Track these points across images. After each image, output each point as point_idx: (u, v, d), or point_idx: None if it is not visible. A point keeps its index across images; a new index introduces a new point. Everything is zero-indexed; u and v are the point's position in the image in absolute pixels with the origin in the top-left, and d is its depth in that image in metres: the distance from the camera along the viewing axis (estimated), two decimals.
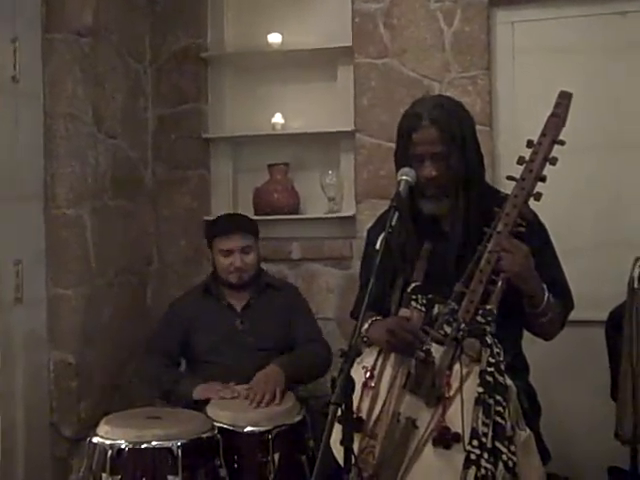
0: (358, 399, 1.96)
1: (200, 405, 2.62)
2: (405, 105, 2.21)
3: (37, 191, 2.91)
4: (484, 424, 1.81)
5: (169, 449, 2.30)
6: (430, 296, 2.04)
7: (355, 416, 1.89)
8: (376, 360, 2.05)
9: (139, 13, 3.47)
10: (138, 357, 3.10)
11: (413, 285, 2.08)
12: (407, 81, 3.24)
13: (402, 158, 2.12)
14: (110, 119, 3.19)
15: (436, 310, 2.02)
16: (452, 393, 1.89)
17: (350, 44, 3.34)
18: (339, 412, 1.62)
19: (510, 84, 3.23)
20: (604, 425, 2.64)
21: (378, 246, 1.86)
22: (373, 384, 2.01)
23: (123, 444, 2.31)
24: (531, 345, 2.25)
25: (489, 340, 1.90)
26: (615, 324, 2.67)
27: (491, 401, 1.83)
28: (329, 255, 3.39)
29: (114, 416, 2.52)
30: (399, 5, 3.26)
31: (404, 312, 2.05)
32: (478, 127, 2.23)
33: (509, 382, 1.88)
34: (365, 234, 2.40)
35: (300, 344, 2.88)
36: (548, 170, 2.02)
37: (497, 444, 1.80)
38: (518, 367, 2.11)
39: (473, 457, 1.80)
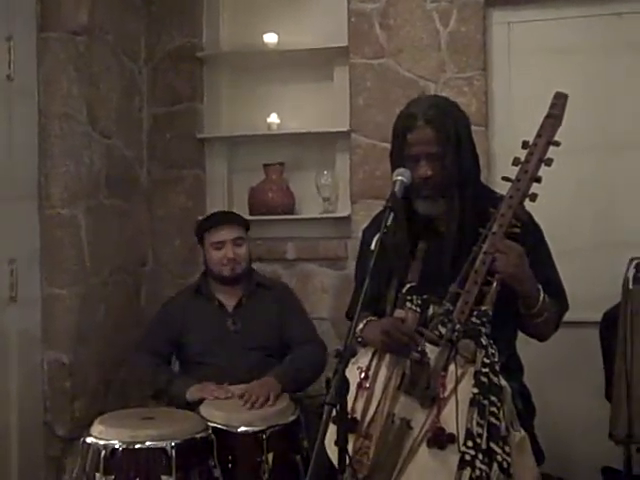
0: (353, 400, 1.95)
1: (193, 405, 2.61)
2: (401, 105, 2.21)
3: (32, 190, 2.90)
4: (479, 425, 1.82)
5: (163, 449, 2.29)
6: (425, 297, 2.04)
7: (350, 417, 1.90)
8: (371, 361, 2.05)
9: (134, 12, 3.46)
10: (128, 356, 3.09)
11: (408, 286, 2.08)
12: (403, 81, 3.24)
13: (397, 158, 2.12)
14: (105, 118, 3.18)
15: (431, 311, 2.02)
16: (447, 394, 1.89)
17: (346, 44, 3.33)
18: (334, 412, 1.62)
19: (506, 85, 3.23)
20: (598, 426, 2.65)
21: (373, 247, 1.86)
22: (368, 385, 2.00)
23: (117, 444, 2.31)
24: (525, 346, 2.25)
25: (484, 341, 1.90)
26: (609, 325, 2.68)
27: (486, 402, 1.84)
28: (324, 255, 3.38)
29: (108, 416, 2.52)
30: (395, 5, 3.26)
31: (399, 313, 2.05)
32: (474, 127, 2.23)
33: (504, 383, 1.89)
34: (360, 234, 2.40)
35: (296, 344, 2.87)
36: (545, 171, 2.03)
37: (492, 445, 1.81)
38: (512, 368, 2.11)
39: (468, 458, 1.80)
